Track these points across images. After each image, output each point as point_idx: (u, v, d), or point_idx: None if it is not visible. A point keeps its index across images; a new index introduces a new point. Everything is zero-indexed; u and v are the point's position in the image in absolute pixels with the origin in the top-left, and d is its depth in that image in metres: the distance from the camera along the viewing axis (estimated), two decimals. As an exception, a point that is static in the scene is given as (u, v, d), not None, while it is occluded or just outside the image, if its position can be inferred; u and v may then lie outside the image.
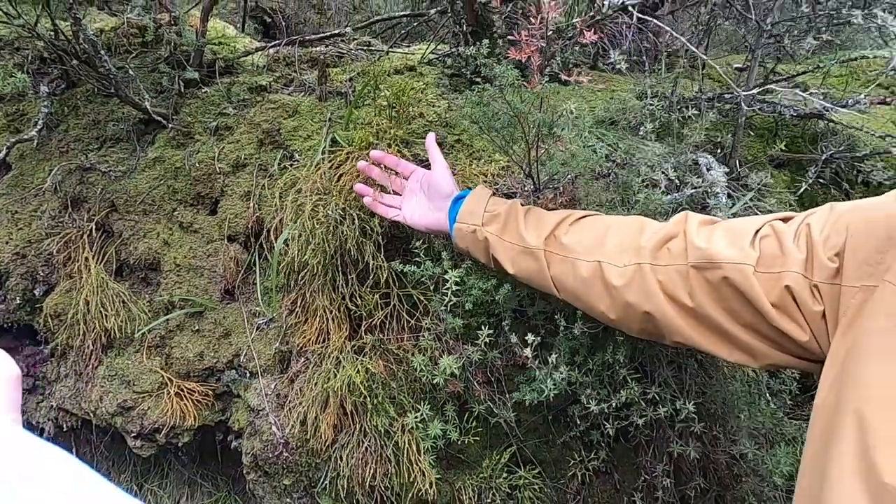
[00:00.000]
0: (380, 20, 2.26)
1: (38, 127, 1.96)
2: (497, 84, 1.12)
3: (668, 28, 1.72)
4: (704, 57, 1.57)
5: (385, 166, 1.45)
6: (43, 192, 1.92)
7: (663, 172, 1.38)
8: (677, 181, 1.34)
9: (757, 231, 0.80)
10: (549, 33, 1.09)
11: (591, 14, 1.30)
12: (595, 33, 1.05)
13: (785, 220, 0.81)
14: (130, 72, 1.97)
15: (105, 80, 1.84)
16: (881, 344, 0.63)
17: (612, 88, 2.00)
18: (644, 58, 2.06)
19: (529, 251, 1.06)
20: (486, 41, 1.31)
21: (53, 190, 1.89)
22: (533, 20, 1.07)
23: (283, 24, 3.90)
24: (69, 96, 2.05)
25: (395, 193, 1.41)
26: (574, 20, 1.79)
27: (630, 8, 1.63)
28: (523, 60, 1.11)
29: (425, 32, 2.70)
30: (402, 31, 2.30)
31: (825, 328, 0.71)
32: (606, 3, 1.22)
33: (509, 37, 1.39)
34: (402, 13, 2.22)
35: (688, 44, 1.49)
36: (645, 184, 1.39)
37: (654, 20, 1.76)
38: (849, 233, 0.71)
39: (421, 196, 1.32)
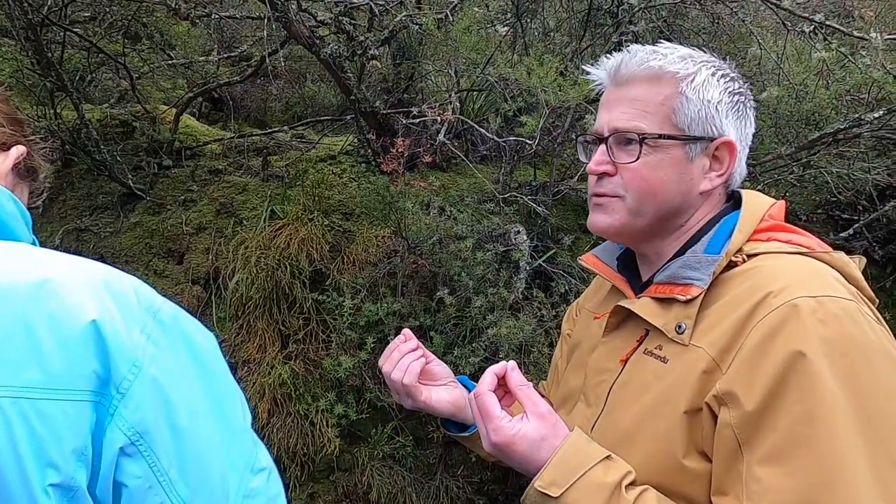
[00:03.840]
0: (309, 121, 3.03)
1: (43, 197, 2.57)
2: (373, 186, 1.88)
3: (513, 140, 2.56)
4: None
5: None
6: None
7: (491, 239, 2.17)
8: (497, 245, 2.13)
9: None
10: (405, 156, 1.86)
11: (432, 143, 2.08)
12: (431, 157, 1.82)
13: None
14: (118, 157, 2.63)
15: (101, 165, 2.50)
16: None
17: (473, 175, 2.81)
18: (500, 153, 2.90)
19: None
20: (381, 147, 2.07)
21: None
22: (392, 149, 1.83)
23: (230, 101, 4.60)
24: (65, 174, 2.68)
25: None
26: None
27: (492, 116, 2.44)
28: (388, 172, 1.87)
29: (348, 125, 3.48)
30: (327, 128, 3.07)
31: None
32: (440, 137, 2.00)
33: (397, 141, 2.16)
34: (326, 117, 3.00)
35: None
36: (477, 246, 2.17)
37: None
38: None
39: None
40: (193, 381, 0.65)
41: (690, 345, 0.80)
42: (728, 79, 0.93)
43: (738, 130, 0.93)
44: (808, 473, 0.68)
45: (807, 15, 1.98)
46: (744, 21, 2.11)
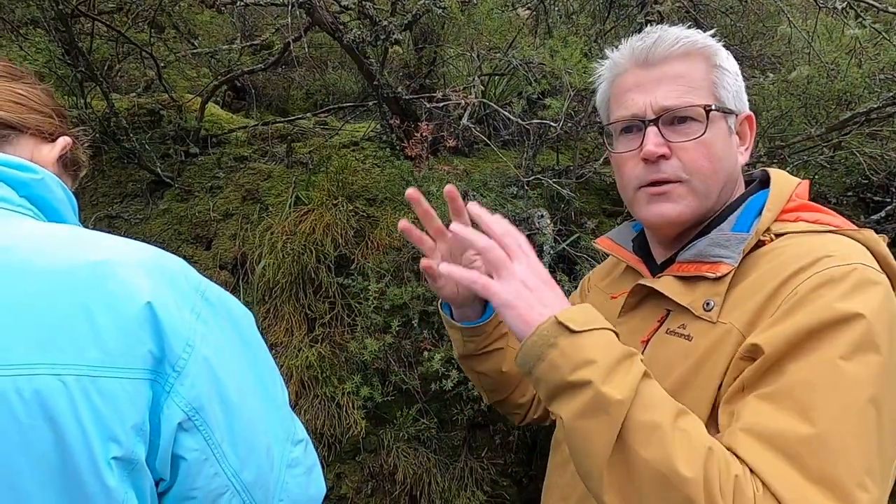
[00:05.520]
0: (332, 108, 3.04)
1: (75, 186, 2.63)
2: (397, 170, 1.89)
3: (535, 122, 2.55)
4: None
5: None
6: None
7: (514, 223, 2.17)
8: (521, 229, 2.13)
9: None
10: (428, 141, 1.87)
11: (456, 127, 2.09)
12: (455, 141, 1.82)
13: None
14: (146, 146, 2.68)
15: (130, 153, 2.55)
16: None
17: (496, 160, 2.81)
18: (523, 137, 2.89)
19: None
20: (404, 132, 2.08)
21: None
22: (416, 133, 1.84)
23: (253, 90, 4.64)
24: (96, 162, 2.74)
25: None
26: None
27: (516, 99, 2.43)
28: (413, 156, 1.88)
29: (370, 111, 3.49)
30: (350, 114, 3.09)
31: None
32: (463, 121, 2.00)
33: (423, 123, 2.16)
34: (349, 104, 3.01)
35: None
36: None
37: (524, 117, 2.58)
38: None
39: None
40: (239, 357, 0.67)
41: (718, 322, 0.79)
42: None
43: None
44: (817, 420, 0.66)
45: (839, -9, 1.92)
46: (773, -1, 2.07)
